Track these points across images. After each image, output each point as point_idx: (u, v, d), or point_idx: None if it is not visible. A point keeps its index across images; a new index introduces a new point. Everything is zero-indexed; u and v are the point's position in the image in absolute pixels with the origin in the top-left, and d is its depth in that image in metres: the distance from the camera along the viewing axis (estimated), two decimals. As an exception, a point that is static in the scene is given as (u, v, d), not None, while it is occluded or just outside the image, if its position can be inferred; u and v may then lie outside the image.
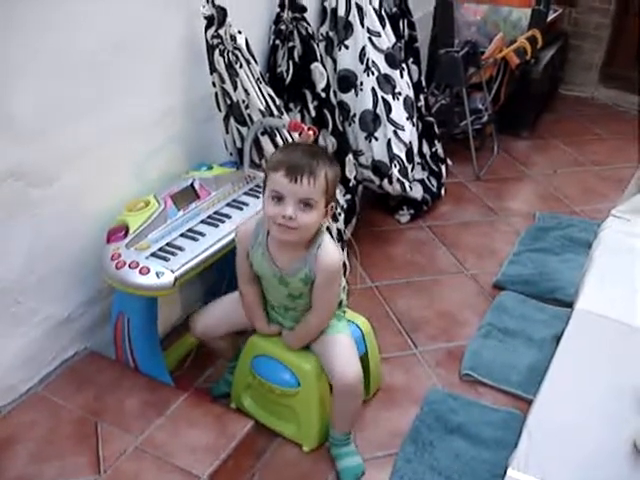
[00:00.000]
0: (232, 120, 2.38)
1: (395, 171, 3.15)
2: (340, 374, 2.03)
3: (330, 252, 1.95)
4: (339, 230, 2.78)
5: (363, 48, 2.99)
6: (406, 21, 3.41)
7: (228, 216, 2.21)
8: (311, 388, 2.10)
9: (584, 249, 3.16)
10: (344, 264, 2.18)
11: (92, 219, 2.12)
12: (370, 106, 3.05)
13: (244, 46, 2.33)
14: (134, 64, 2.12)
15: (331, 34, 2.99)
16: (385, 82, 3.08)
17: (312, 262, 1.94)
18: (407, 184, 3.23)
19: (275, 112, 2.42)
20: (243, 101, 2.32)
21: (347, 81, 3.03)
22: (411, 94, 3.27)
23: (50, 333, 2.11)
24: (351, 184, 2.99)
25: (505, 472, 1.91)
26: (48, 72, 1.84)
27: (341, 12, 2.94)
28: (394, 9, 3.33)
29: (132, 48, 2.09)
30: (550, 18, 4.55)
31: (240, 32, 2.32)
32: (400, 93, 3.16)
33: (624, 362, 2.27)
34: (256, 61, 2.39)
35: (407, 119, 3.19)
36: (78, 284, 2.15)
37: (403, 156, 3.18)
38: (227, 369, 2.41)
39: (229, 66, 2.27)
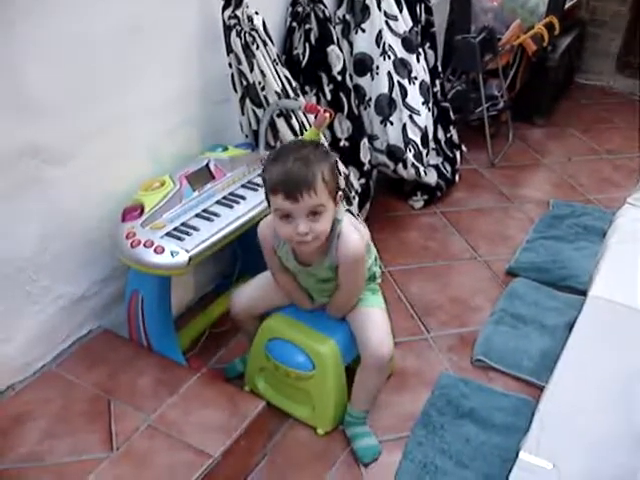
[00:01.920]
0: (248, 101, 2.38)
1: (410, 156, 3.14)
2: (374, 348, 2.05)
3: (349, 241, 1.94)
4: (352, 214, 2.77)
5: (380, 32, 2.97)
6: (423, 5, 3.37)
7: (243, 197, 2.21)
8: (326, 371, 2.10)
9: (598, 237, 3.15)
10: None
11: (107, 198, 2.13)
12: (386, 90, 3.04)
13: (261, 27, 2.32)
14: (150, 45, 2.11)
15: (348, 17, 2.98)
16: (401, 66, 3.07)
17: (333, 253, 1.95)
18: (422, 169, 3.22)
19: (291, 94, 2.42)
20: (259, 83, 2.32)
21: (363, 65, 3.02)
22: (427, 79, 3.25)
23: (64, 311, 2.12)
24: (365, 168, 2.99)
25: (517, 455, 1.91)
26: (64, 52, 1.84)
27: (358, -5, 2.93)
28: (411, -7, 3.31)
29: (148, 29, 2.08)
30: (568, 5, 4.51)
31: (257, 13, 2.31)
32: (416, 78, 3.15)
33: (637, 349, 2.26)
34: (273, 42, 2.39)
35: (423, 104, 3.18)
36: (92, 263, 2.16)
37: (418, 141, 3.17)
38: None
39: (246, 47, 2.27)
